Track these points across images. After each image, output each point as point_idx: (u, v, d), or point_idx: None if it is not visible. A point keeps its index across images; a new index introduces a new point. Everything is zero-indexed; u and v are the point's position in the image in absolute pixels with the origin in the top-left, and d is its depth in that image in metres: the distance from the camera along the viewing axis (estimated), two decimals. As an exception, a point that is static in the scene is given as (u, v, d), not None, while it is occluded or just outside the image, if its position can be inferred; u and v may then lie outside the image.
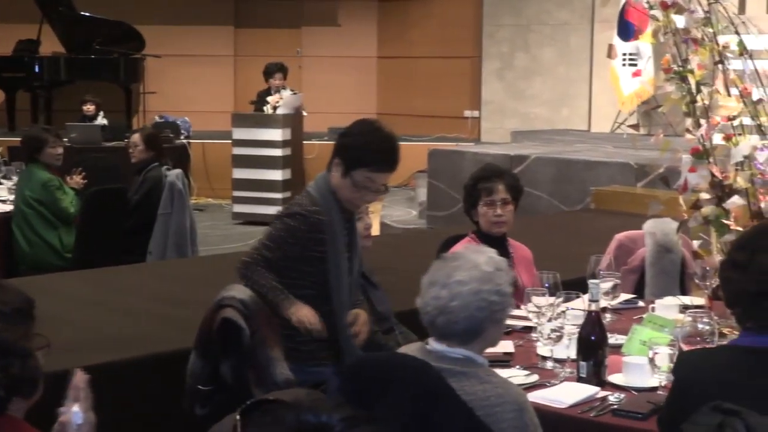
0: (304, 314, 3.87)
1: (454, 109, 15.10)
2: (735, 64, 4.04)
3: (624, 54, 11.22)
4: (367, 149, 3.94)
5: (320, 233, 3.95)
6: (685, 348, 3.35)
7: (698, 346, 3.34)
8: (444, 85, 15.25)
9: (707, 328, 3.78)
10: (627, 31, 10.89)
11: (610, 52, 4.89)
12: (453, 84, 15.17)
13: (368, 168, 3.93)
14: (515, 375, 3.49)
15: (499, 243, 4.69)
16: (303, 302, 3.92)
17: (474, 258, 2.96)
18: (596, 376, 3.47)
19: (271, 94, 11.96)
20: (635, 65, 10.81)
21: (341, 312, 4.02)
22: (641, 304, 4.54)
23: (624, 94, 11.28)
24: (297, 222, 3.96)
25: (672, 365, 3.09)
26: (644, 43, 9.95)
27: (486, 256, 2.99)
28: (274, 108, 11.82)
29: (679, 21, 3.99)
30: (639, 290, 4.97)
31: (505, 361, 3.65)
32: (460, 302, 2.88)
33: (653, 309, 4.24)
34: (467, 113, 15.08)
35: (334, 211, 4.00)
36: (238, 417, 2.08)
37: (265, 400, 2.12)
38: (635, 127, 4.76)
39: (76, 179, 7.70)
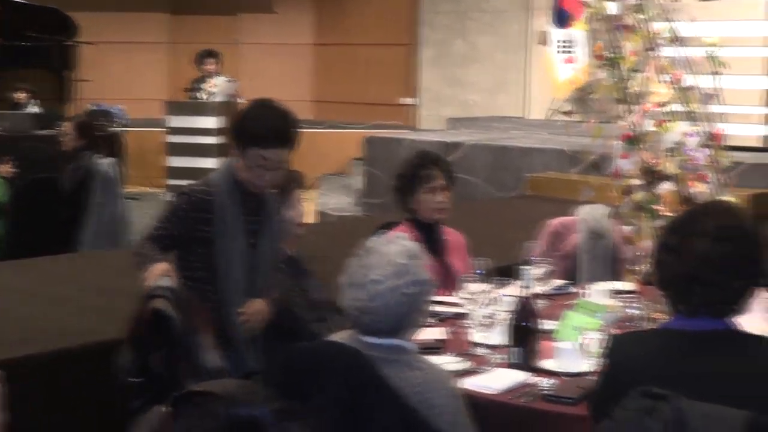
0: (152, 276, 3.72)
1: (391, 97, 15.08)
2: (666, 51, 4.06)
3: (559, 41, 11.27)
4: (256, 127, 3.89)
5: (205, 213, 3.90)
6: (616, 330, 3.36)
7: (628, 329, 3.35)
8: (381, 73, 15.22)
9: (638, 312, 3.82)
10: (562, 18, 10.93)
11: (543, 40, 4.90)
12: (390, 71, 15.14)
13: (259, 146, 3.88)
14: (447, 362, 3.47)
15: (433, 230, 4.69)
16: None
17: (386, 251, 2.94)
18: (527, 362, 3.48)
19: (205, 81, 11.87)
20: (569, 52, 10.86)
21: (229, 297, 3.93)
22: (573, 289, 4.55)
23: (559, 81, 11.33)
24: (180, 200, 3.96)
25: (602, 350, 3.10)
26: (578, 30, 10.00)
27: (398, 247, 2.96)
28: (209, 95, 11.73)
29: (612, 7, 4.00)
30: (572, 276, 4.98)
31: (437, 347, 3.64)
32: (379, 302, 2.87)
33: (585, 295, 4.25)
34: (404, 100, 15.07)
35: (231, 193, 3.94)
36: (165, 409, 2.04)
37: (196, 391, 2.08)
38: (569, 113, 4.80)
39: (5, 168, 7.58)
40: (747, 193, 7.70)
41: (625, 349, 2.83)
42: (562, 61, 10.81)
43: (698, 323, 2.75)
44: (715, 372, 2.69)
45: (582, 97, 4.28)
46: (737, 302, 2.77)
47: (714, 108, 4.07)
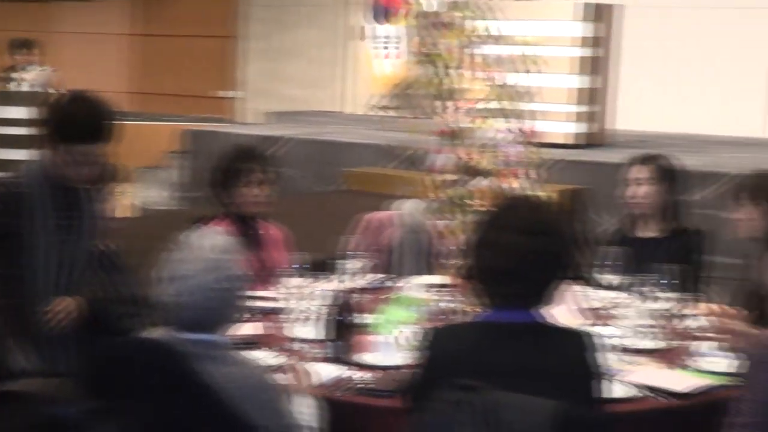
0: None
1: (210, 89, 14.91)
2: (483, 49, 4.13)
3: (378, 36, 11.36)
4: (69, 122, 3.78)
5: (13, 206, 3.77)
6: (430, 325, 3.41)
7: (441, 323, 3.40)
8: (199, 65, 15.03)
9: (452, 306, 3.88)
10: (381, 14, 11.02)
11: (361, 34, 4.92)
12: (209, 64, 14.97)
13: (71, 141, 3.77)
14: (263, 357, 3.45)
15: (251, 224, 4.66)
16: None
17: (198, 246, 2.90)
18: (344, 356, 3.49)
19: (16, 71, 11.48)
20: (388, 47, 10.96)
21: (37, 294, 3.80)
22: (390, 284, 4.59)
23: (377, 76, 11.42)
24: None
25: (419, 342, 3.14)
26: (397, 26, 10.11)
27: (210, 242, 2.92)
28: (22, 84, 11.36)
29: (430, 5, 4.05)
30: (388, 270, 5.02)
31: (253, 342, 3.61)
32: (189, 297, 2.83)
33: (401, 288, 4.30)
34: (224, 93, 14.93)
35: (41, 187, 3.81)
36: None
37: (3, 392, 2.01)
38: (386, 108, 4.84)
39: None
40: (560, 188, 7.92)
41: (440, 342, 2.87)
42: (381, 57, 10.90)
43: (510, 315, 2.82)
44: (524, 363, 2.76)
45: (400, 92, 4.31)
46: (546, 295, 2.85)
47: (527, 105, 4.16)
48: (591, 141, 9.21)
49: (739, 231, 4.57)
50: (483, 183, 3.93)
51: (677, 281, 4.08)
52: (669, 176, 4.93)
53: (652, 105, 11.20)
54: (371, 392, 3.24)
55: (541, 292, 2.84)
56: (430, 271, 4.83)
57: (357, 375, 3.37)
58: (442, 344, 2.85)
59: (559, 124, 8.93)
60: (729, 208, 4.63)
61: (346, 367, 3.43)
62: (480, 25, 4.09)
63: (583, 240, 7.88)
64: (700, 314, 3.99)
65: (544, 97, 8.61)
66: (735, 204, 4.53)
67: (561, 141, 8.87)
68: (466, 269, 2.97)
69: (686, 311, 3.92)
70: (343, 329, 3.52)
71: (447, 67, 3.99)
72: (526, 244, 2.78)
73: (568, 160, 8.33)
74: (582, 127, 9.13)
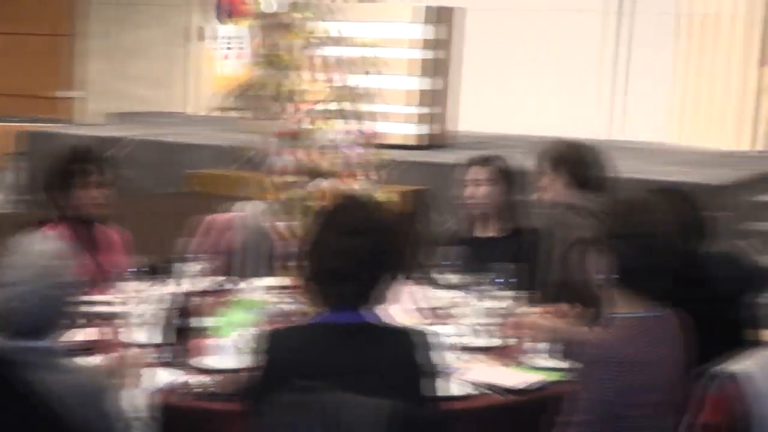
0: None
1: (48, 89, 14.55)
2: (323, 50, 4.14)
3: (221, 36, 11.27)
4: None
5: None
6: (269, 327, 3.40)
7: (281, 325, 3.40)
8: (36, 64, 14.64)
9: (293, 308, 3.87)
10: (223, 14, 10.93)
11: (201, 35, 4.88)
12: (46, 62, 14.60)
13: None
14: (98, 363, 3.39)
15: (88, 227, 4.58)
16: None
17: (29, 252, 2.84)
18: (181, 360, 3.45)
19: None
20: (231, 48, 10.89)
21: None
22: (230, 286, 4.56)
23: (220, 77, 11.32)
24: None
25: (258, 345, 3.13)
26: (240, 26, 10.05)
27: (41, 247, 2.86)
28: None
29: (270, 5, 4.04)
30: (229, 272, 4.99)
31: (88, 348, 3.54)
32: (20, 304, 2.77)
33: (241, 291, 4.27)
34: (62, 93, 14.58)
35: None
36: None
37: None
38: (228, 109, 4.79)
39: None
40: (402, 189, 7.99)
41: (277, 344, 2.87)
42: (223, 57, 10.82)
43: (344, 316, 2.84)
44: (359, 364, 2.78)
45: (241, 94, 4.29)
46: (379, 295, 2.87)
47: (367, 107, 4.19)
48: (433, 142, 9.31)
49: (542, 198, 4.81)
50: (323, 184, 3.94)
51: (514, 280, 4.16)
52: (506, 177, 5.03)
53: (493, 107, 11.41)
54: (210, 396, 3.21)
55: (374, 292, 2.86)
56: (271, 273, 4.81)
57: (195, 379, 3.34)
58: (280, 347, 2.86)
59: (401, 126, 9.01)
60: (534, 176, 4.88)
61: (184, 372, 3.39)
62: (320, 27, 4.10)
63: (424, 240, 7.99)
64: (536, 312, 4.07)
65: (386, 99, 8.63)
66: (538, 172, 4.77)
67: (403, 142, 8.94)
68: (302, 271, 2.98)
69: (523, 309, 4.00)
70: (181, 333, 3.48)
71: (287, 68, 3.99)
72: (354, 245, 2.80)
73: (410, 161, 8.41)
74: (424, 129, 9.22)
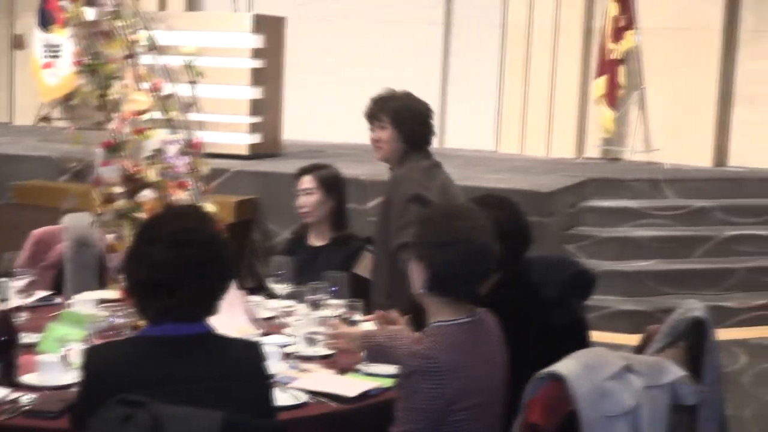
0: None
1: None
2: (146, 59, 4.09)
3: (46, 45, 10.96)
4: None
5: None
6: (98, 341, 3.34)
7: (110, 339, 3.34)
8: None
9: (122, 321, 3.80)
10: (48, 21, 10.64)
11: (19, 43, 4.76)
12: None
13: None
14: None
15: None
16: None
17: None
18: (7, 378, 3.35)
19: None
20: (57, 56, 10.61)
21: None
22: (58, 300, 4.46)
23: (46, 86, 11.00)
24: None
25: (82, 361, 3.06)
26: (62, 34, 9.80)
27: None
28: None
29: (90, 13, 3.96)
30: (57, 286, 4.87)
31: None
32: None
33: (69, 305, 4.18)
34: None
35: None
36: None
37: None
38: (50, 120, 4.67)
39: None
40: (233, 199, 7.96)
41: (103, 359, 2.81)
42: (49, 66, 10.54)
43: (169, 329, 2.80)
44: (190, 376, 2.75)
45: (66, 103, 4.20)
46: (203, 305, 2.84)
47: (194, 116, 4.15)
48: (265, 151, 9.28)
49: (376, 153, 4.86)
50: (150, 195, 3.88)
51: (346, 288, 4.18)
52: (334, 185, 5.04)
53: (326, 115, 11.46)
54: (37, 414, 3.13)
55: (198, 303, 2.83)
56: (101, 286, 4.72)
57: (22, 397, 3.25)
58: (104, 362, 2.80)
59: (233, 135, 8.95)
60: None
61: (10, 389, 3.29)
62: (144, 35, 4.05)
63: (258, 249, 7.97)
64: (369, 319, 4.10)
65: (216, 108, 8.68)
66: (374, 125, 4.84)
67: (235, 152, 8.90)
68: (125, 283, 2.93)
69: (356, 317, 4.02)
70: (5, 350, 3.38)
71: (110, 77, 3.92)
72: (170, 256, 2.76)
73: (242, 170, 8.38)
74: (256, 138, 9.17)
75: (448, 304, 3.19)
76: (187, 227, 2.81)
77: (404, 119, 4.79)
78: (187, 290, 2.77)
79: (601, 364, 3.05)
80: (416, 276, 3.22)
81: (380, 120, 4.82)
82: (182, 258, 2.75)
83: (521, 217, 3.95)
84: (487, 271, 3.20)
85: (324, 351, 3.86)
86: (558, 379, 3.02)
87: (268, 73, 9.19)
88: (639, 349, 3.71)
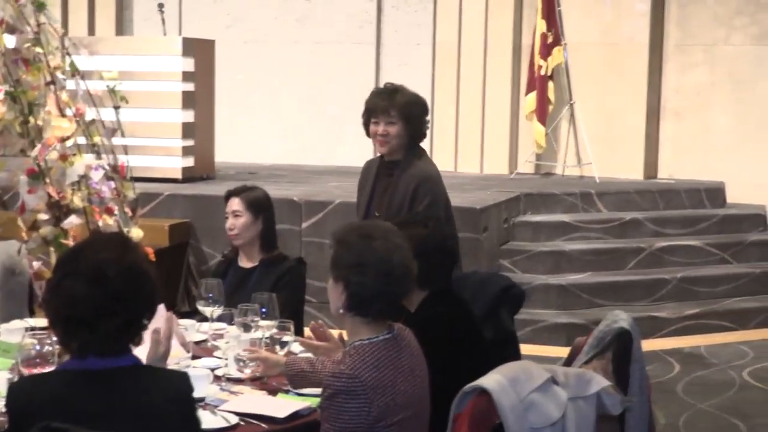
0: None
1: None
2: (70, 85, 4.07)
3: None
4: None
5: None
6: (27, 371, 3.30)
7: (37, 369, 3.30)
8: None
9: (50, 350, 3.76)
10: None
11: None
12: None
13: None
14: None
15: None
16: None
17: None
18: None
19: None
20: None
21: None
22: (-13, 330, 4.40)
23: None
24: None
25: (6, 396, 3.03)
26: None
27: None
28: None
29: (10, 41, 3.93)
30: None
31: None
32: None
33: (-3, 334, 4.13)
34: None
35: None
36: None
37: None
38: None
39: None
40: (166, 223, 7.93)
41: (27, 395, 2.76)
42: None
43: (93, 363, 2.76)
44: (115, 409, 2.71)
45: (3, 130, 4.15)
46: (126, 338, 2.80)
47: (121, 141, 4.14)
48: (198, 174, 9.25)
49: (382, 148, 5.02)
50: (76, 221, 3.86)
51: (276, 309, 4.18)
52: (261, 207, 5.03)
53: (258, 137, 11.45)
54: (-38, 446, 3.09)
55: (121, 337, 2.78)
56: (29, 314, 4.68)
57: (-54, 429, 3.20)
58: (29, 397, 2.75)
59: (165, 159, 8.93)
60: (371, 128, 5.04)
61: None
62: (67, 61, 4.03)
63: (189, 273, 7.94)
64: (299, 340, 4.10)
65: (148, 132, 8.67)
66: (379, 119, 4.96)
67: (167, 175, 8.87)
68: (47, 315, 2.88)
69: (286, 338, 4.02)
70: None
71: (32, 104, 3.89)
72: (91, 293, 2.71)
73: (175, 194, 8.35)
74: (188, 161, 9.13)
75: (366, 323, 3.21)
76: (105, 259, 2.75)
77: (413, 114, 5.00)
78: (108, 325, 2.72)
79: (527, 377, 3.08)
80: (334, 297, 3.24)
81: (389, 115, 4.99)
82: (101, 293, 2.70)
83: (446, 234, 3.99)
84: (405, 290, 3.23)
85: (254, 372, 3.85)
86: (484, 393, 3.04)
87: (199, 95, 9.16)
88: (567, 362, 3.75)
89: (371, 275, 3.14)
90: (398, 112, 4.99)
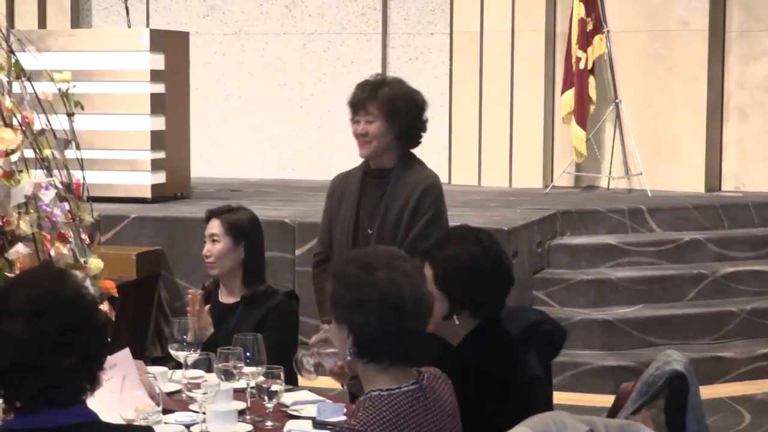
0: None
1: None
2: (14, 88, 4.10)
3: None
4: None
5: None
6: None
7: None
8: None
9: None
10: None
11: None
12: None
13: None
14: None
15: None
16: None
17: None
18: None
19: None
20: None
21: None
22: None
23: None
24: None
25: None
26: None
27: None
28: None
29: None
30: None
31: None
32: None
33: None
34: None
35: None
36: None
37: None
38: None
39: None
40: (134, 251, 7.94)
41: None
42: None
43: (41, 419, 2.76)
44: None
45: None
46: (78, 383, 2.80)
47: (75, 154, 4.16)
48: (170, 192, 9.26)
49: (362, 149, 4.98)
50: (23, 250, 3.89)
51: (263, 352, 4.19)
52: (243, 232, 5.04)
53: (241, 147, 11.48)
54: None
55: (74, 380, 2.78)
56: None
57: None
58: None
59: (131, 174, 8.95)
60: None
61: None
62: (11, 61, 4.07)
63: (161, 310, 7.95)
64: (291, 388, 4.12)
65: (111, 143, 8.70)
66: (359, 116, 4.95)
67: (134, 194, 8.89)
68: None
69: (275, 387, 4.03)
70: None
71: (-30, 112, 3.93)
72: (27, 328, 2.71)
73: (144, 216, 8.37)
74: (159, 177, 9.12)
75: (383, 370, 3.18)
76: (43, 291, 2.75)
77: (398, 109, 4.95)
78: (61, 364, 2.72)
79: (559, 430, 3.09)
80: (339, 342, 3.22)
81: (367, 111, 4.96)
82: (47, 327, 2.70)
83: (501, 251, 3.96)
84: (421, 326, 3.21)
85: (239, 428, 3.87)
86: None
87: (171, 99, 9.16)
88: (612, 412, 3.76)
89: (376, 313, 3.11)
90: (379, 108, 4.92)
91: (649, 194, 10.10)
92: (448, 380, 3.32)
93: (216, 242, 4.99)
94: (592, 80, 10.39)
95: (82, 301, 2.80)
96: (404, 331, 3.14)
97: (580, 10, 10.33)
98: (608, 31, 10.44)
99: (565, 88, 10.50)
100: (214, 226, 5.02)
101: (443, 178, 10.97)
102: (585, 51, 10.33)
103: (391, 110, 4.92)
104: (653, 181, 10.30)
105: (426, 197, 4.96)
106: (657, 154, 10.51)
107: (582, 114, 10.38)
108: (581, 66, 10.33)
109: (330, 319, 3.37)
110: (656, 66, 10.54)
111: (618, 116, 10.61)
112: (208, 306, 4.74)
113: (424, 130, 5.07)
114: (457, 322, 3.76)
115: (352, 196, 5.08)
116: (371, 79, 5.08)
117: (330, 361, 3.78)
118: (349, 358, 3.19)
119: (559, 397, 4.55)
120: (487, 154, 11.00)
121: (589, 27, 10.33)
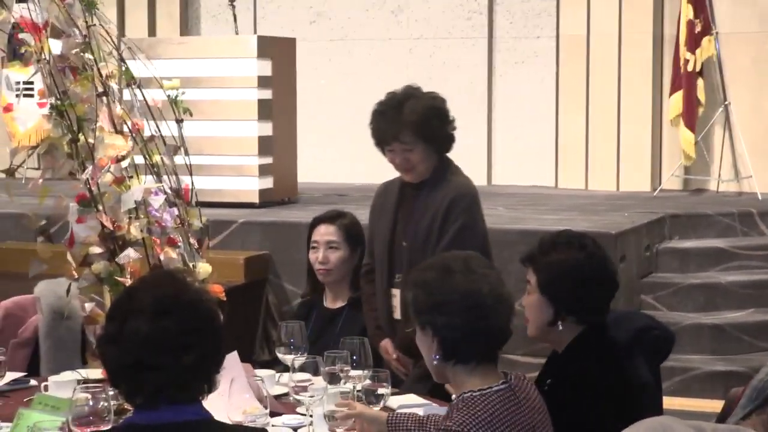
0: None
1: None
2: (129, 96, 4.14)
3: (18, 83, 11.10)
4: None
5: None
6: (78, 431, 3.39)
7: (91, 428, 3.39)
8: None
9: (105, 405, 3.85)
10: (18, 55, 10.79)
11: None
12: None
13: None
14: None
15: None
16: None
17: None
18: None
19: None
20: (27, 96, 10.72)
21: None
22: (34, 382, 4.51)
23: (20, 130, 11.12)
24: None
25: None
26: (27, 71, 9.91)
27: None
28: None
29: (56, 46, 4.03)
30: (33, 366, 4.94)
31: None
32: None
33: (46, 388, 4.23)
34: None
35: None
36: None
37: None
38: (11, 171, 4.71)
39: None
40: (242, 256, 8.00)
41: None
42: (5, 109, 10.62)
43: (161, 415, 2.84)
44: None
45: (33, 151, 4.26)
46: (196, 382, 2.88)
47: (185, 160, 4.20)
48: (278, 197, 9.31)
49: (407, 176, 4.88)
50: (133, 255, 3.94)
51: (369, 356, 4.21)
52: (359, 238, 5.06)
53: (347, 152, 11.51)
54: None
55: (188, 380, 2.86)
56: (81, 364, 4.78)
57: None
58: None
59: (239, 180, 9.01)
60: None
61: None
62: (123, 69, 4.11)
63: (269, 314, 8.01)
64: (397, 392, 4.13)
65: (219, 149, 8.78)
66: (393, 146, 4.82)
67: (242, 199, 8.95)
68: (103, 364, 2.96)
69: (382, 390, 4.05)
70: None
71: (81, 119, 3.98)
72: (151, 329, 2.80)
73: (251, 221, 8.42)
74: (266, 182, 9.18)
75: (471, 371, 3.22)
76: (164, 294, 2.86)
77: (433, 128, 4.82)
78: (182, 362, 2.82)
79: (666, 436, 3.07)
80: (425, 348, 3.27)
81: (402, 141, 4.80)
82: (170, 326, 2.80)
83: (606, 257, 3.96)
84: (505, 322, 3.25)
85: (345, 432, 3.89)
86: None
87: (278, 104, 9.22)
88: (721, 418, 3.73)
89: (458, 312, 3.17)
90: (414, 134, 4.76)
91: (759, 197, 9.97)
92: (532, 382, 3.36)
93: (335, 249, 5.00)
94: (700, 82, 10.29)
95: (203, 304, 2.90)
96: (487, 328, 3.21)
97: (688, 12, 10.23)
98: (717, 33, 10.33)
99: (674, 90, 10.41)
100: (331, 233, 5.02)
101: (550, 182, 11.09)
102: (693, 53, 10.23)
103: (427, 132, 4.78)
104: (763, 184, 10.16)
105: (454, 207, 4.78)
106: (767, 157, 10.36)
107: (691, 116, 10.28)
108: (689, 68, 10.23)
109: None
110: (766, 68, 10.39)
111: (727, 119, 10.50)
112: None
113: (454, 128, 4.94)
114: (560, 328, 3.76)
115: (389, 208, 4.98)
116: (387, 102, 4.93)
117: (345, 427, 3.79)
118: (435, 363, 3.24)
119: (667, 403, 4.50)
120: (594, 157, 10.94)
121: (698, 29, 10.23)
